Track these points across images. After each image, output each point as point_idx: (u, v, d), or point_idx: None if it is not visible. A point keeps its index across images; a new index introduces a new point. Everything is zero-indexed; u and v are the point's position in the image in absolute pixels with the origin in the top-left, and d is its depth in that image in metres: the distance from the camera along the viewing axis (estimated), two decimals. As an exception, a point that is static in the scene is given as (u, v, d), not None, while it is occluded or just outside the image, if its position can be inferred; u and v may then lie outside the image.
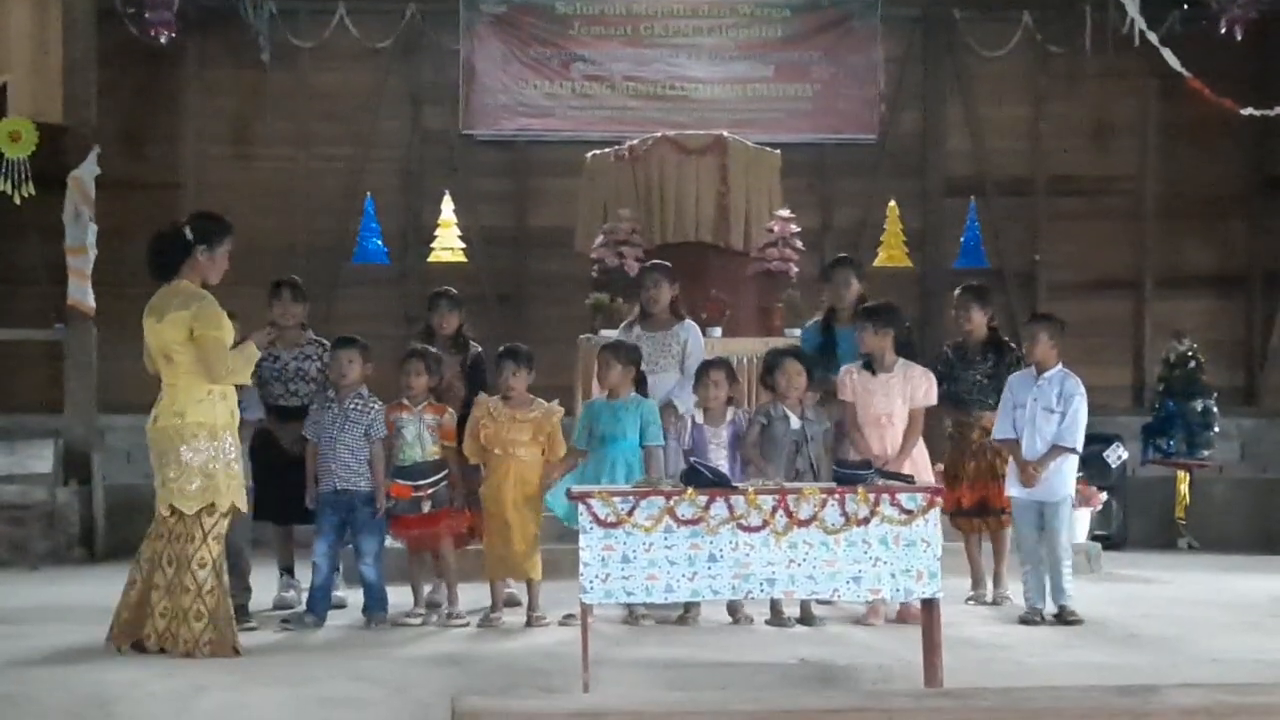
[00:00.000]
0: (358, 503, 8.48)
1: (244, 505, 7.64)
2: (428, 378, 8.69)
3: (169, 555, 7.39)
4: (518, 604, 8.85)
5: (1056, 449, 8.55)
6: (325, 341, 9.26)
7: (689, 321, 9.43)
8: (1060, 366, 8.69)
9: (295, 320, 9.35)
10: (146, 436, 7.54)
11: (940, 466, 9.29)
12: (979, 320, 9.44)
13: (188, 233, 7.54)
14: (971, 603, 9.21)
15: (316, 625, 8.40)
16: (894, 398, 8.67)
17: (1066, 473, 8.66)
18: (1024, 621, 8.50)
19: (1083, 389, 8.66)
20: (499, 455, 8.44)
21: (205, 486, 7.36)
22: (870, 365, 8.75)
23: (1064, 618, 8.46)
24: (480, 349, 9.59)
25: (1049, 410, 8.59)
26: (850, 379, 8.74)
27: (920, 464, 8.63)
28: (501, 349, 8.71)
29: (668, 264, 9.69)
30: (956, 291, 9.71)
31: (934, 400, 8.82)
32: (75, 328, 12.33)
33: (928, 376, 8.84)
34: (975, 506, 9.16)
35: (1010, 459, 8.74)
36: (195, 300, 7.43)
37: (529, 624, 8.43)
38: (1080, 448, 8.71)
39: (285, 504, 8.90)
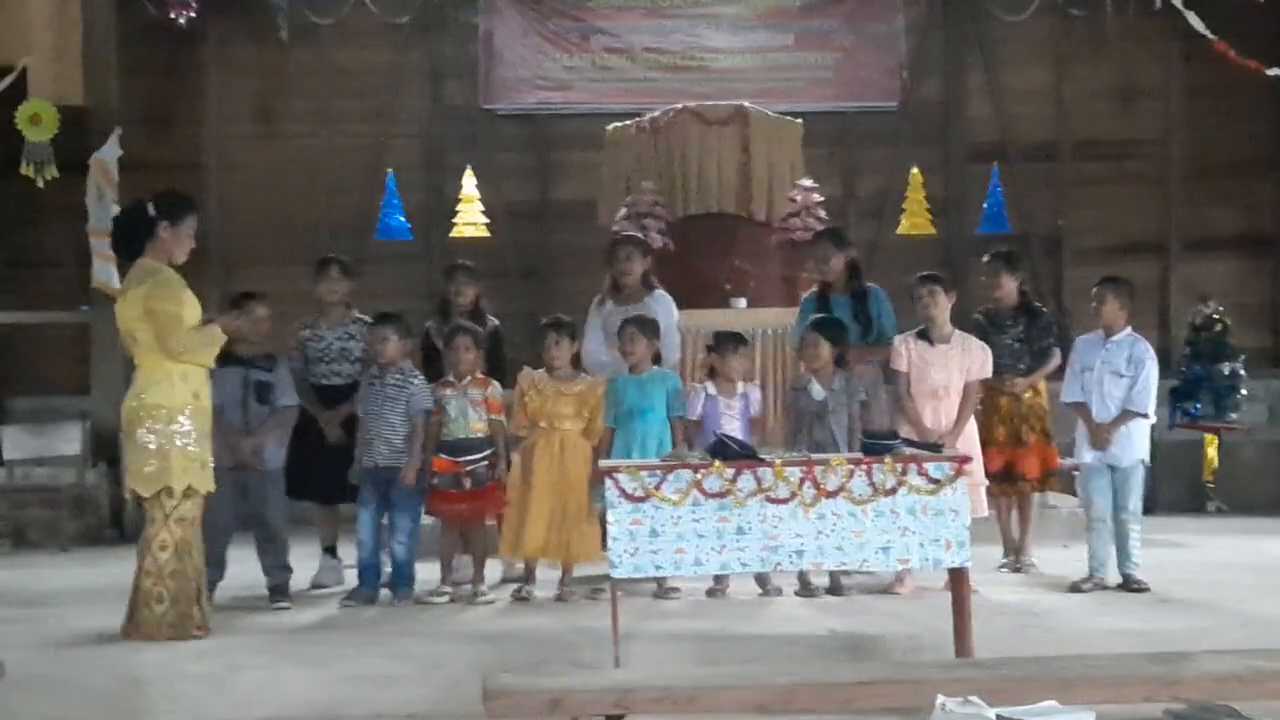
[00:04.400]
0: (397, 479, 8.49)
1: (205, 486, 7.52)
2: (475, 353, 8.69)
3: (141, 541, 7.42)
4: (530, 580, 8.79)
5: (1127, 413, 8.51)
6: (368, 319, 9.27)
7: (660, 292, 9.42)
8: (1129, 330, 8.65)
9: (340, 298, 9.31)
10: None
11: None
12: (1009, 286, 9.40)
13: (151, 209, 7.51)
14: (1005, 570, 9.20)
15: (371, 600, 8.43)
16: (952, 369, 8.62)
17: (1139, 437, 8.63)
18: (1073, 589, 8.45)
19: (1153, 353, 8.63)
20: (544, 428, 8.46)
21: (160, 469, 7.33)
22: (927, 335, 8.70)
23: (1129, 585, 8.43)
24: (498, 323, 9.58)
25: (1117, 374, 8.55)
26: (907, 348, 8.67)
27: (970, 439, 8.59)
28: (549, 321, 8.71)
29: (639, 236, 9.71)
30: (986, 258, 9.68)
31: (989, 373, 8.77)
32: (101, 310, 12.33)
33: (984, 349, 8.78)
34: (1001, 472, 9.11)
35: (1080, 423, 8.69)
36: (151, 275, 7.39)
37: (560, 598, 8.45)
38: (1152, 413, 8.67)
39: (328, 483, 8.90)
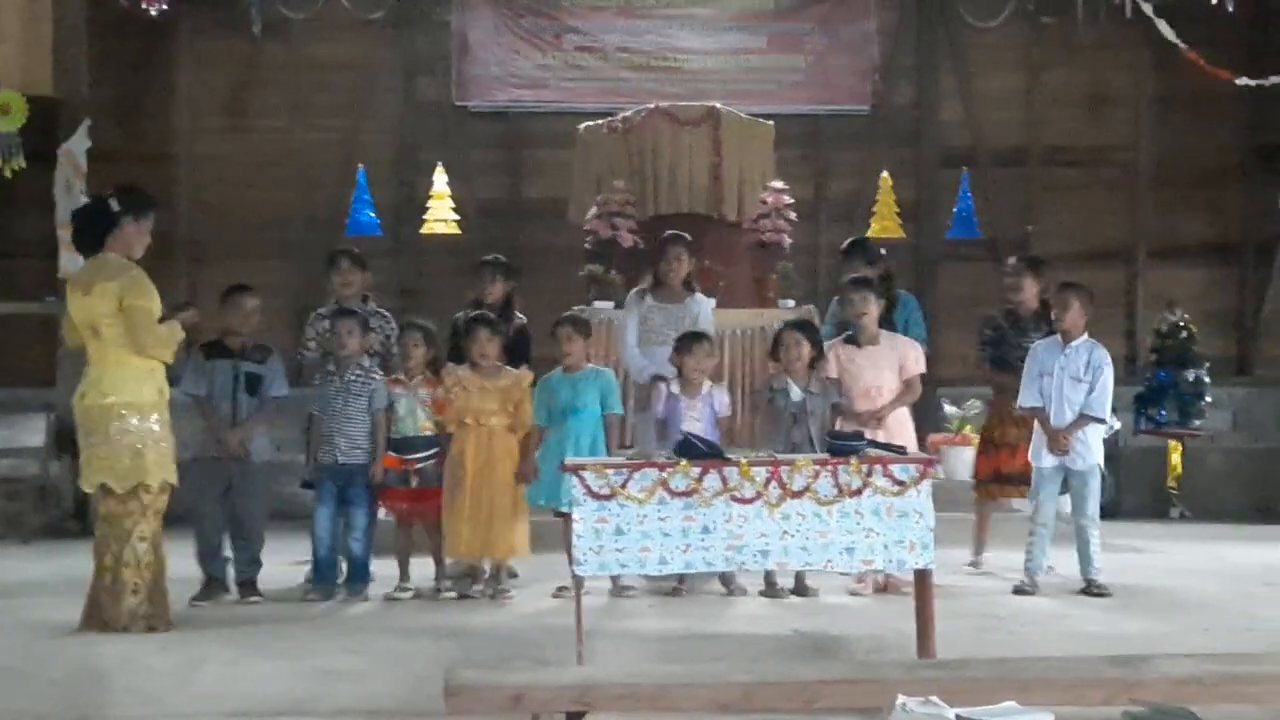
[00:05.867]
0: (356, 476, 8.48)
1: (174, 479, 7.53)
2: (425, 350, 8.67)
3: (108, 534, 7.39)
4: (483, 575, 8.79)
5: (1084, 417, 8.56)
6: (385, 312, 9.22)
7: (700, 295, 9.41)
8: (1087, 336, 8.69)
9: (355, 290, 9.26)
10: (74, 412, 7.52)
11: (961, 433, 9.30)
12: (1032, 291, 9.45)
13: (114, 204, 7.48)
14: (969, 570, 9.25)
15: (329, 595, 8.42)
16: (882, 369, 8.65)
17: (1094, 442, 8.68)
18: (1018, 591, 8.51)
19: (1110, 359, 8.67)
20: (468, 425, 8.44)
21: (135, 465, 7.34)
22: (854, 339, 8.74)
23: (1091, 590, 8.46)
24: (525, 320, 9.51)
25: (1076, 379, 8.59)
26: (835, 354, 8.70)
27: (906, 433, 8.62)
28: (472, 317, 8.70)
29: (687, 236, 9.63)
30: (1011, 260, 9.80)
31: (923, 368, 8.80)
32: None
33: (915, 345, 8.84)
34: (1019, 474, 9.12)
35: (1037, 427, 8.73)
36: (124, 271, 7.38)
37: (492, 597, 8.42)
38: (1108, 417, 8.72)
39: None
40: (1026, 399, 8.76)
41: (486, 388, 8.48)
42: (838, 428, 8.00)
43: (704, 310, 9.32)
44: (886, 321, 9.04)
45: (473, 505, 8.37)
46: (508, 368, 8.59)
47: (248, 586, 8.46)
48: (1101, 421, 8.66)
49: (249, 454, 8.49)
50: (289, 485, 10.32)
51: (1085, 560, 8.57)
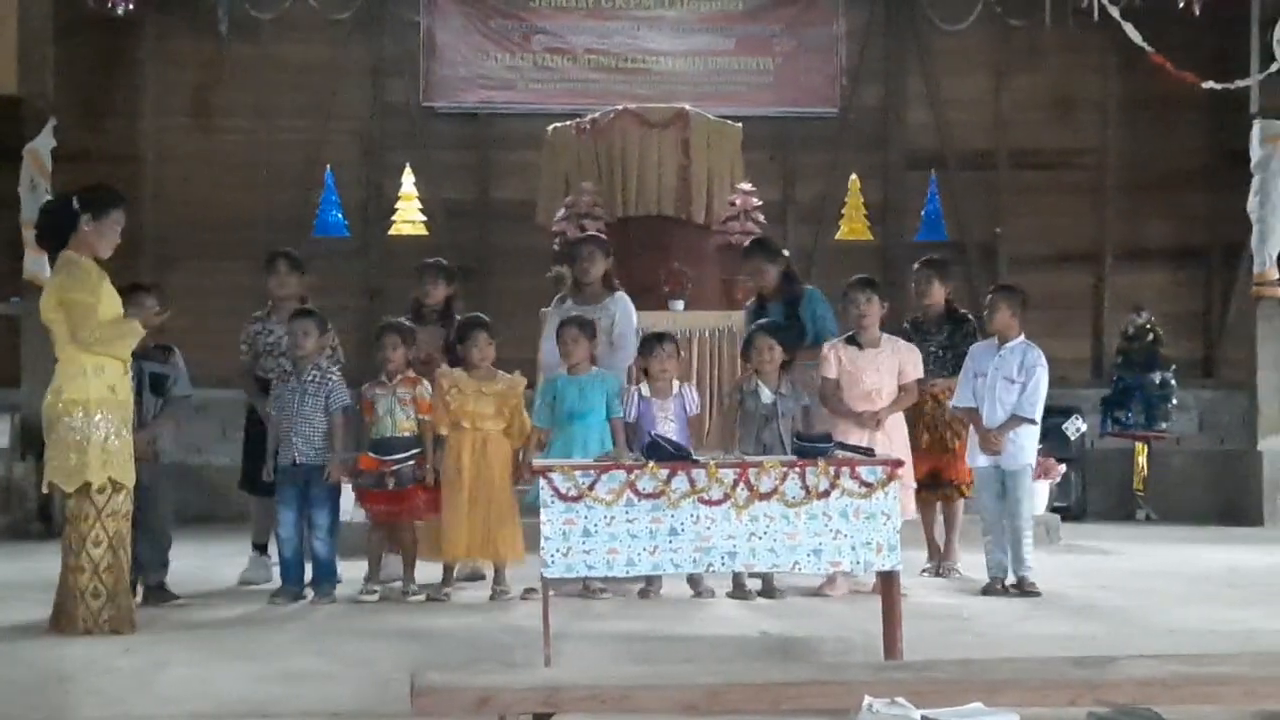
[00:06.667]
0: (315, 476, 8.45)
1: (129, 480, 7.44)
2: (404, 350, 8.65)
3: (69, 536, 7.35)
4: (480, 578, 8.86)
5: (1015, 418, 8.59)
6: (322, 317, 9.19)
7: (620, 294, 9.38)
8: (1022, 338, 8.72)
9: (291, 293, 9.23)
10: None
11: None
12: (938, 294, 9.49)
13: (74, 203, 7.43)
14: (926, 574, 9.26)
15: (296, 597, 8.39)
16: (883, 373, 8.65)
17: (1027, 442, 8.70)
18: (985, 592, 8.54)
19: (1044, 361, 8.70)
20: (465, 429, 8.43)
21: (79, 463, 7.26)
22: (856, 340, 8.73)
23: (1023, 588, 8.51)
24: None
25: (1010, 380, 8.62)
26: (836, 354, 8.69)
27: (900, 436, 8.63)
28: (468, 319, 8.70)
29: (602, 236, 9.69)
30: (916, 265, 9.74)
31: (921, 373, 8.80)
32: (32, 301, 12.17)
33: (913, 350, 8.83)
34: (928, 478, 9.15)
35: (971, 428, 8.78)
36: (65, 267, 7.32)
37: (493, 598, 8.43)
38: (1039, 418, 8.76)
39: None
40: (960, 399, 8.80)
41: (483, 391, 8.47)
42: (837, 429, 7.98)
43: (622, 308, 9.28)
44: (795, 320, 9.02)
45: (470, 508, 8.36)
46: (502, 372, 8.58)
47: (159, 590, 8.35)
48: (1033, 422, 8.69)
49: (158, 455, 8.42)
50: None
51: (1017, 560, 8.60)
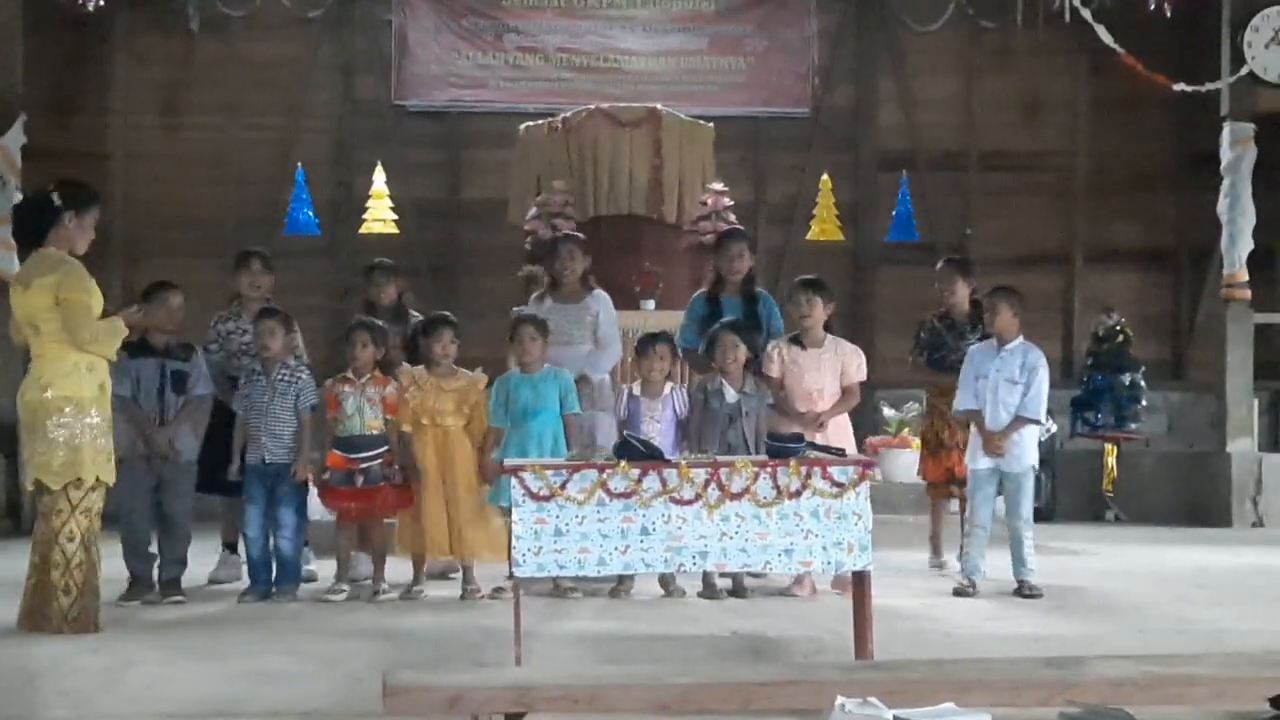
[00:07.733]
0: (283, 475, 8.42)
1: (110, 478, 7.44)
2: (373, 349, 8.62)
3: (39, 533, 7.31)
4: (451, 576, 8.84)
5: (1019, 419, 8.60)
6: (290, 315, 9.16)
7: (599, 292, 9.36)
8: (1022, 339, 8.73)
9: (263, 292, 9.21)
10: (16, 410, 7.44)
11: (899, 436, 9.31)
12: (963, 293, 9.52)
13: (55, 198, 7.38)
14: (936, 571, 9.32)
15: (264, 596, 8.36)
16: (824, 373, 8.67)
17: (1029, 444, 8.70)
18: (957, 593, 8.54)
19: (1045, 361, 8.71)
20: (425, 425, 8.43)
21: (70, 461, 7.23)
22: (799, 340, 8.74)
23: (1024, 591, 8.49)
24: (422, 318, 9.50)
25: (1011, 381, 8.62)
26: (779, 354, 8.71)
27: (845, 437, 8.64)
28: (434, 317, 8.68)
29: (580, 235, 9.68)
30: (940, 264, 9.80)
31: (864, 375, 8.83)
32: (2, 298, 12.13)
33: (858, 352, 8.85)
34: (963, 476, 9.13)
35: (972, 430, 8.77)
36: (61, 265, 7.28)
37: (463, 597, 8.42)
38: (1043, 419, 8.78)
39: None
40: (962, 402, 8.79)
41: (442, 388, 8.47)
42: (781, 429, 7.99)
43: (603, 306, 9.27)
44: (753, 318, 9.01)
45: (437, 506, 8.39)
46: (463, 370, 8.57)
47: (171, 585, 8.37)
48: (1037, 423, 8.71)
49: (178, 453, 8.41)
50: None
51: (1018, 562, 8.61)
